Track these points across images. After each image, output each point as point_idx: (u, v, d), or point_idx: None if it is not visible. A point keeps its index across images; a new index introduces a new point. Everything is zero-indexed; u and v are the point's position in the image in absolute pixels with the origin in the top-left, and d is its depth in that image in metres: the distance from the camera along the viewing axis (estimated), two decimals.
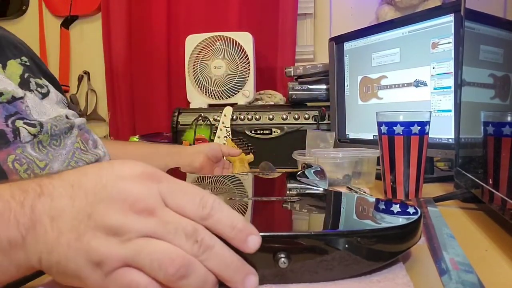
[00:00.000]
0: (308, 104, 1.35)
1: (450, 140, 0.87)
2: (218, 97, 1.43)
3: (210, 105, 1.44)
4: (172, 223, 0.29)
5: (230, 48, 1.43)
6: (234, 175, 0.72)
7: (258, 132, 1.29)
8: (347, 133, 1.17)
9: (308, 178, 0.64)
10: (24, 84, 0.62)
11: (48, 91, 0.67)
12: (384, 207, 0.44)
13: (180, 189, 0.31)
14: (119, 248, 0.28)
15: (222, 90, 1.43)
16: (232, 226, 0.30)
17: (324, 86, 1.30)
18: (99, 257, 0.28)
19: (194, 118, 1.32)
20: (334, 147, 1.08)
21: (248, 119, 1.31)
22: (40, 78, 0.68)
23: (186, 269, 0.28)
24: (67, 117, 0.66)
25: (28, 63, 0.67)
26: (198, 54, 1.46)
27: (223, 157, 0.93)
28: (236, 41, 1.42)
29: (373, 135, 1.04)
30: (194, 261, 0.29)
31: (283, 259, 0.31)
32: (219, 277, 0.29)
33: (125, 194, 0.29)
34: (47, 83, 0.69)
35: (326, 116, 1.26)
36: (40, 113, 0.62)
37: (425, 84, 0.92)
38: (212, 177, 0.69)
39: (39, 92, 0.65)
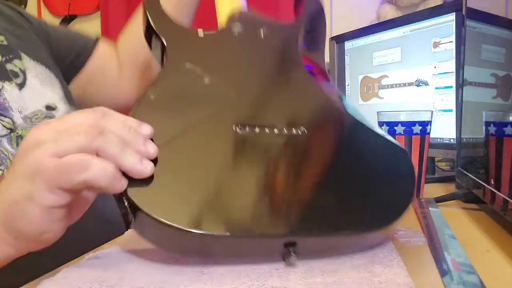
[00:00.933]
0: None
1: (452, 140, 0.86)
2: None
3: None
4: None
5: None
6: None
7: None
8: None
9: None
10: (1, 74, 0.57)
11: (25, 79, 0.59)
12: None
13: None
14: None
15: None
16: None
17: None
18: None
19: None
20: None
21: None
22: (19, 58, 0.60)
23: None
24: (48, 107, 0.60)
25: (4, 42, 0.59)
26: None
27: None
28: None
29: None
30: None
31: (293, 256, 0.32)
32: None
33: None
34: (24, 66, 0.60)
35: None
36: (20, 107, 0.57)
37: (426, 84, 0.92)
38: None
39: (16, 84, 0.58)
